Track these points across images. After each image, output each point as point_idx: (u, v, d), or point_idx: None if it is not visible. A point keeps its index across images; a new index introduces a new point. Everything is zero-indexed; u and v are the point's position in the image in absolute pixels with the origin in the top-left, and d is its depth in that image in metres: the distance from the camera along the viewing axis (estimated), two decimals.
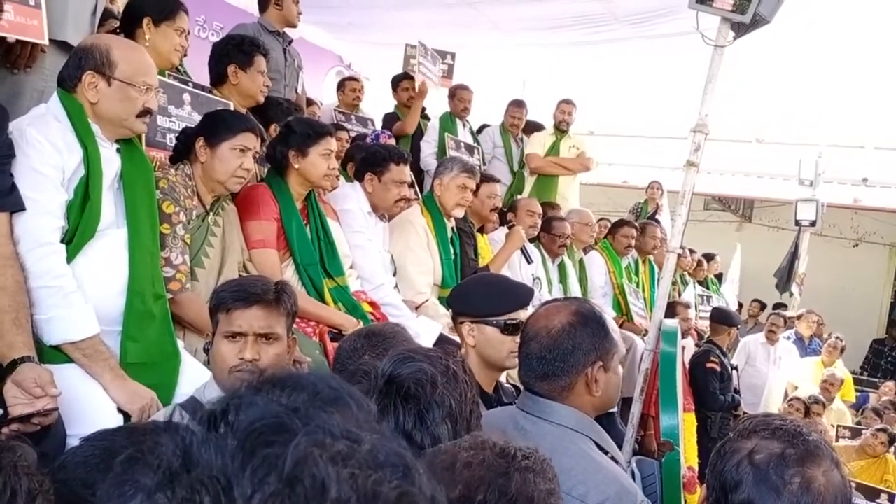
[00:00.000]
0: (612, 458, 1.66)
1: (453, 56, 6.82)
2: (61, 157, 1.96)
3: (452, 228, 3.82)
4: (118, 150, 2.13)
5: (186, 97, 2.95)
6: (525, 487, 1.05)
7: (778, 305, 9.36)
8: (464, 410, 1.31)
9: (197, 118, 2.85)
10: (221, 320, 1.82)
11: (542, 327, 1.69)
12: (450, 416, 1.28)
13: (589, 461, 1.55)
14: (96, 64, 2.04)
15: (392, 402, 1.27)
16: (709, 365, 5.58)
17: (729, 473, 1.24)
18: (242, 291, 1.83)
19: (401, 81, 6.12)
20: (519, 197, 5.17)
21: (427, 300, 3.52)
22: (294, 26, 4.38)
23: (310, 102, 5.30)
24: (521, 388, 1.78)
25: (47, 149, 1.94)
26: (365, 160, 3.47)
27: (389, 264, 3.50)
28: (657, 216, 7.56)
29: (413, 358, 1.33)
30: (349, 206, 3.35)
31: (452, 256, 3.75)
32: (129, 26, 2.86)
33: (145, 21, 2.81)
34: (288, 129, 3.02)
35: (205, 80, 3.44)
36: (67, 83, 2.06)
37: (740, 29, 3.64)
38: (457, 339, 2.46)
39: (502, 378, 2.42)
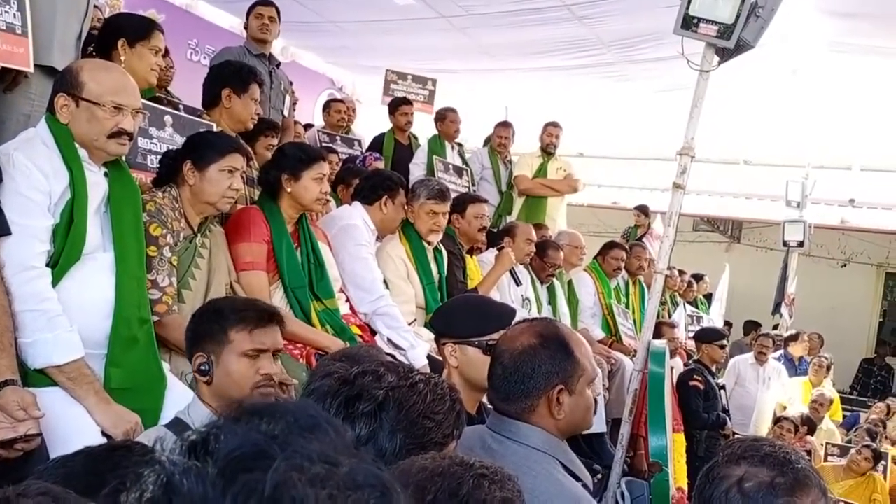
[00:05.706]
0: (580, 479, 1.64)
1: (434, 82, 6.86)
2: (48, 181, 1.96)
3: (436, 248, 3.81)
4: (106, 175, 2.14)
5: (168, 119, 2.93)
6: (477, 491, 1.03)
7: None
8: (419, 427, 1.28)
9: (179, 140, 2.83)
10: (239, 339, 1.86)
11: (506, 349, 1.68)
12: (400, 430, 1.25)
13: (552, 482, 1.54)
14: (66, 85, 2.05)
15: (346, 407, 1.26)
16: (692, 383, 5.60)
17: (717, 500, 1.24)
18: (264, 311, 1.94)
19: (400, 105, 6.13)
20: (517, 222, 5.05)
21: (414, 320, 3.53)
22: (263, 42, 4.35)
23: (306, 127, 5.31)
24: (490, 406, 1.78)
25: (34, 173, 1.94)
26: (378, 185, 3.49)
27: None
28: (645, 238, 7.60)
29: (375, 371, 1.31)
30: (354, 221, 3.37)
31: (436, 278, 3.73)
32: (104, 48, 2.85)
33: (120, 43, 2.79)
34: (281, 153, 3.03)
35: (195, 102, 3.45)
36: (50, 107, 2.08)
37: (725, 54, 3.69)
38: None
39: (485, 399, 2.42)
